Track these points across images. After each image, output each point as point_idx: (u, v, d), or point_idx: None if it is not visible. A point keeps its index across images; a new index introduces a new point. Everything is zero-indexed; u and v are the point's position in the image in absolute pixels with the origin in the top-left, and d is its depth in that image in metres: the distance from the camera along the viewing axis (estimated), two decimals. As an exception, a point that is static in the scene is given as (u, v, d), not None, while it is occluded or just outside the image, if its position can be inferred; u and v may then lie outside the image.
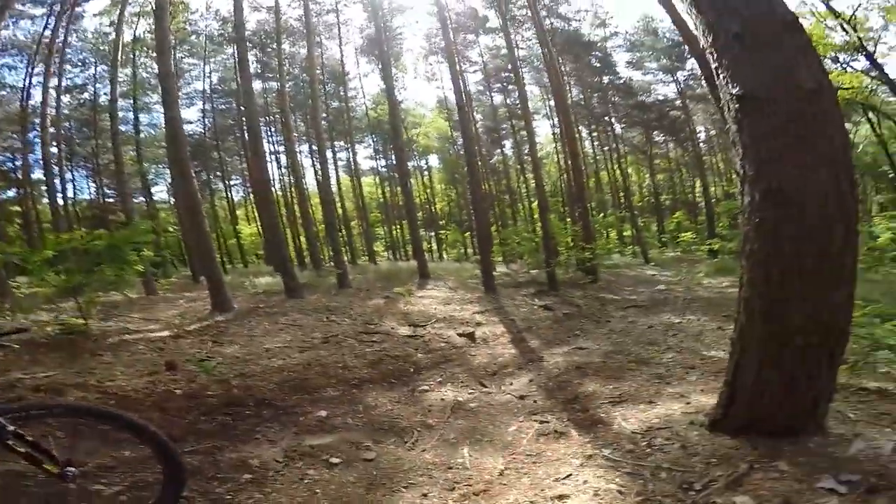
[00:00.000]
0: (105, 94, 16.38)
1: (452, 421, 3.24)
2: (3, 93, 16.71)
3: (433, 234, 27.77)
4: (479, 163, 19.10)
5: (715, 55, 2.22)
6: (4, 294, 7.84)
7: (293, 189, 20.55)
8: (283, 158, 23.14)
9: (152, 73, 16.85)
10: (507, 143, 25.42)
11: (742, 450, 2.14)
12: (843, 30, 12.06)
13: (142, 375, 3.93)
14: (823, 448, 2.08)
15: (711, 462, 2.09)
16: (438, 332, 5.74)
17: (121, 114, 15.12)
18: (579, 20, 21.71)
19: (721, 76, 2.21)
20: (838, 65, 12.89)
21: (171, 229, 17.42)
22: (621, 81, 23.25)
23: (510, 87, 21.92)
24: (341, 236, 17.40)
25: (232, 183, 25.59)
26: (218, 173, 23.77)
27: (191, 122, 21.36)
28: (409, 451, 2.80)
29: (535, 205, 23.07)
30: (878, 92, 13.08)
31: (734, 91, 2.13)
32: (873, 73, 12.01)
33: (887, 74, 11.89)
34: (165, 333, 5.56)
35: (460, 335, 5.57)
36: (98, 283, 5.88)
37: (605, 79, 22.89)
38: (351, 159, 24.64)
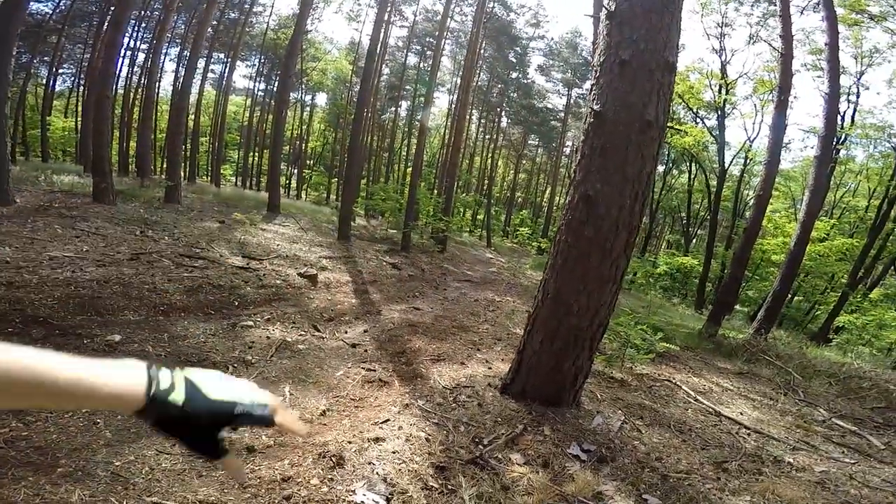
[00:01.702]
0: None
1: (276, 360, 3.11)
2: None
3: (296, 170, 26.07)
4: (369, 115, 18.36)
5: (597, 73, 2.46)
6: None
7: (139, 90, 17.90)
8: (140, 56, 19.30)
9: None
10: (404, 105, 24.84)
11: (521, 413, 2.55)
12: (716, 90, 14.48)
13: None
14: (576, 419, 2.61)
15: (498, 421, 2.44)
16: (277, 268, 5.41)
17: None
18: (518, 13, 22.06)
19: (592, 92, 2.48)
20: (698, 119, 15.53)
21: None
22: (526, 81, 24.37)
23: (428, 52, 21.54)
24: (185, 150, 15.18)
25: (61, 72, 21.01)
26: (45, 59, 19.37)
27: (39, 1, 16.96)
28: None
29: (409, 169, 23.26)
30: (709, 149, 16.10)
31: (595, 107, 2.41)
32: (715, 132, 14.69)
33: (724, 136, 14.62)
34: None
35: (301, 275, 5.33)
36: None
37: (515, 75, 23.71)
38: (225, 74, 21.45)
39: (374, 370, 3.16)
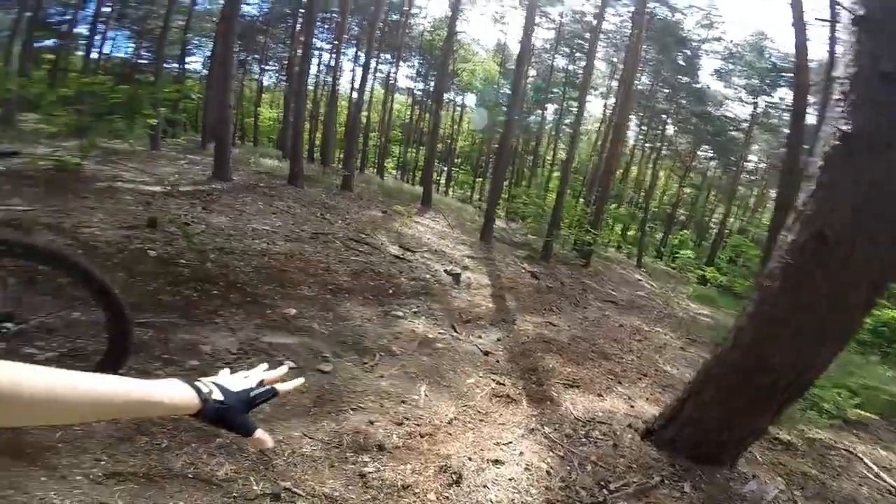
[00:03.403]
0: None
1: (417, 355, 3.23)
2: None
3: (446, 168, 27.40)
4: (517, 118, 18.44)
5: (845, 87, 1.98)
6: (11, 124, 7.63)
7: (324, 86, 20.74)
8: (324, 56, 22.30)
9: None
10: (550, 108, 24.36)
11: (661, 463, 2.26)
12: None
13: (120, 227, 3.84)
14: (725, 481, 2.23)
15: (632, 468, 2.20)
16: (427, 262, 5.74)
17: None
18: (685, 14, 20.03)
19: (838, 109, 1.99)
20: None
21: (193, 97, 17.00)
22: (698, 86, 21.89)
23: (578, 54, 20.82)
24: (359, 143, 17.21)
25: (267, 68, 25.36)
26: (256, 56, 23.56)
27: (248, 4, 20.84)
28: (367, 373, 2.75)
29: (555, 174, 22.64)
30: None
31: (843, 127, 1.94)
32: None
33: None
34: (157, 189, 5.47)
35: (447, 272, 5.57)
36: (105, 128, 5.78)
37: (685, 79, 21.50)
38: (391, 74, 23.78)
39: (504, 384, 3.11)
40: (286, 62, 21.34)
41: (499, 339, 4.13)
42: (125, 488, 1.50)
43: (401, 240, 6.39)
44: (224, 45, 7.80)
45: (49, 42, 18.22)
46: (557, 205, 9.71)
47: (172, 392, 0.62)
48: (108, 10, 16.19)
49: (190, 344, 2.50)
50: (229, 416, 0.68)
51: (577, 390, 3.21)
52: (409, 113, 27.67)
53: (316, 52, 21.83)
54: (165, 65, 16.70)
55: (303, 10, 18.96)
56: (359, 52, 21.96)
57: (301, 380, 0.84)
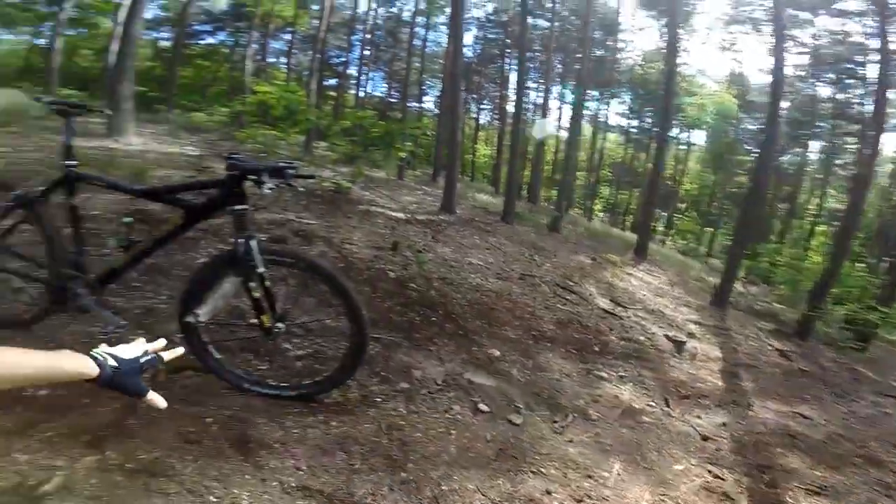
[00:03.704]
0: (408, 9, 19.27)
1: (616, 425, 2.84)
2: (340, 0, 21.14)
3: (665, 213, 24.76)
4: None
5: None
6: (309, 150, 10.29)
7: (533, 125, 21.41)
8: (531, 95, 23.54)
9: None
10: (815, 144, 19.79)
11: None
12: None
13: (371, 247, 4.49)
14: None
15: None
16: (641, 322, 5.13)
17: (417, 29, 17.41)
18: None
19: None
20: None
21: (428, 133, 19.77)
22: None
23: (848, 80, 16.65)
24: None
25: (483, 106, 27.56)
26: (473, 95, 25.82)
27: (466, 45, 23.59)
28: (556, 434, 2.51)
29: (822, 227, 18.03)
30: None
31: None
32: None
33: None
34: (400, 215, 6.39)
35: (668, 338, 4.87)
36: (368, 159, 7.18)
37: None
38: (600, 111, 23.23)
39: (722, 478, 2.47)
40: (498, 100, 22.94)
41: (724, 424, 3.34)
42: (306, 505, 1.54)
43: (612, 292, 5.91)
44: (451, 86, 8.75)
45: (331, 81, 24.05)
46: (834, 266, 7.57)
47: (73, 361, 0.72)
48: (367, 52, 20.36)
49: (405, 367, 2.63)
50: (123, 381, 0.78)
51: (825, 500, 2.44)
52: (621, 152, 26.30)
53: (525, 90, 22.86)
54: (409, 104, 19.84)
55: (509, 51, 20.24)
56: (563, 90, 22.35)
57: (181, 350, 0.94)
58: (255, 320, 1.88)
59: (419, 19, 18.65)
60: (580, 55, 15.17)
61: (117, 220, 3.31)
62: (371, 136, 7.21)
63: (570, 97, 22.69)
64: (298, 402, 2.02)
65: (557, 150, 23.75)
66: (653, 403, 3.42)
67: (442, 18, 20.24)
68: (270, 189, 1.65)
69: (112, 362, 0.79)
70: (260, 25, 20.28)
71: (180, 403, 1.80)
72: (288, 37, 23.46)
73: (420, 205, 7.91)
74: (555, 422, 2.64)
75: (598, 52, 21.92)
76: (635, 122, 24.94)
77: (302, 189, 4.76)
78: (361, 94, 22.89)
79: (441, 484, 1.82)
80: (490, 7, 22.73)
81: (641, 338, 4.62)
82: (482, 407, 2.46)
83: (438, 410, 2.31)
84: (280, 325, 1.88)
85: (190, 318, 1.61)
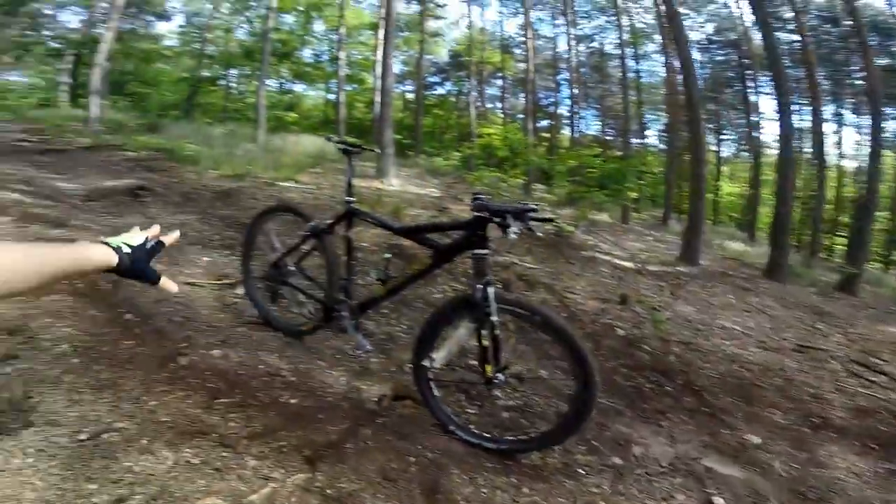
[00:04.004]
0: (610, 42, 18.46)
1: None
2: (539, 42, 21.62)
3: None
4: None
5: None
6: (528, 192, 10.42)
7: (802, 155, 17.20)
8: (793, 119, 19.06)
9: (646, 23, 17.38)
10: None
11: None
12: None
13: (595, 298, 4.08)
14: None
15: None
16: None
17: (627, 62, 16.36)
18: None
19: None
20: None
21: (654, 171, 18.06)
22: None
23: None
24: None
25: (723, 138, 23.94)
26: (710, 126, 22.90)
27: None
28: None
29: None
30: None
31: None
32: None
33: None
34: (627, 264, 5.74)
35: None
36: (591, 201, 6.74)
37: None
38: None
39: None
40: (745, 128, 19.36)
41: None
42: None
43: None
44: (691, 111, 7.54)
45: (544, 122, 24.48)
46: None
47: (97, 252, 0.75)
48: (576, 91, 19.86)
49: (623, 438, 2.23)
50: (139, 267, 0.81)
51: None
52: None
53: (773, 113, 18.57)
54: (630, 139, 18.41)
55: (749, 72, 16.63)
56: (840, 110, 17.47)
57: (177, 233, 0.93)
58: (476, 365, 1.81)
59: (627, 50, 17.44)
60: (857, 67, 11.61)
61: (378, 253, 3.80)
62: (596, 176, 6.77)
63: (851, 117, 17.76)
64: (496, 456, 1.87)
65: (840, 184, 18.51)
66: None
67: (652, 46, 18.61)
68: (516, 234, 1.54)
69: (127, 249, 0.80)
70: (475, 73, 22.30)
71: (393, 435, 1.79)
72: (499, 82, 25.27)
73: (651, 252, 7.00)
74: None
75: (883, 61, 16.75)
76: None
77: (541, 234, 4.71)
78: (575, 133, 22.60)
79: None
80: (709, 28, 20.13)
81: None
82: (717, 501, 1.94)
83: (655, 497, 1.89)
84: (500, 375, 1.78)
85: (426, 363, 1.58)
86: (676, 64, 15.52)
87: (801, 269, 8.11)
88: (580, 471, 1.93)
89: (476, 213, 1.65)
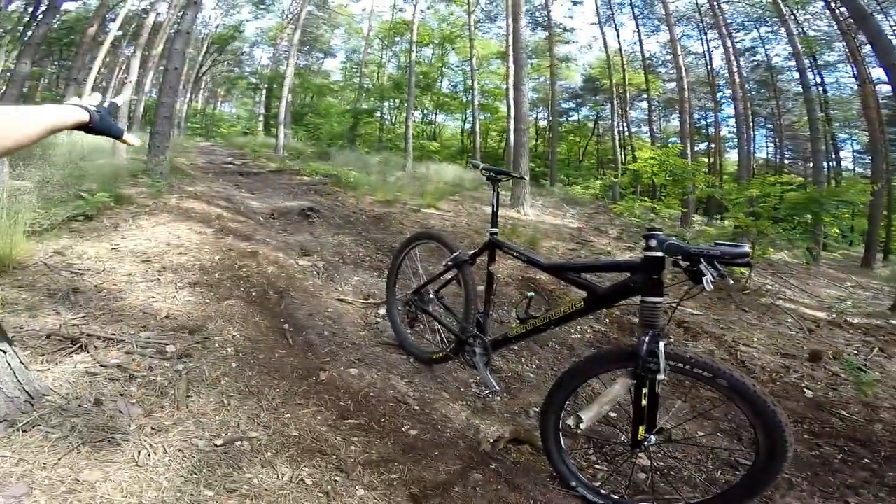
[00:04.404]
0: (777, 54, 16.00)
1: None
2: (689, 59, 19.53)
3: None
4: None
5: None
6: (688, 224, 9.18)
7: None
8: None
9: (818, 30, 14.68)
10: None
11: None
12: None
13: (777, 353, 3.39)
14: None
15: None
16: None
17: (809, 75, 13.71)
18: None
19: None
20: None
21: (860, 201, 14.58)
22: None
23: None
24: None
25: None
26: None
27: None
28: None
29: None
30: None
31: None
32: None
33: None
34: (821, 315, 4.63)
35: None
36: (774, 236, 5.55)
37: None
38: None
39: None
40: None
41: None
42: None
43: None
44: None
45: (702, 146, 21.57)
46: None
47: (72, 112, 0.88)
48: (740, 109, 17.03)
49: None
50: (107, 122, 0.94)
51: None
52: None
53: None
54: (819, 163, 15.24)
55: None
56: None
57: (128, 92, 0.73)
58: (624, 425, 1.63)
59: (805, 62, 14.49)
60: None
61: (521, 289, 3.66)
62: (782, 207, 5.53)
63: None
64: None
65: None
66: None
67: (834, 56, 15.28)
68: (713, 281, 1.30)
69: (93, 107, 0.93)
70: (616, 96, 20.89)
71: (504, 484, 1.65)
72: (644, 104, 23.22)
73: (852, 301, 5.53)
74: None
75: None
76: None
77: (732, 282, 4.06)
78: (744, 156, 19.56)
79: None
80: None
81: None
82: None
83: None
84: (652, 437, 1.54)
85: (571, 422, 1.40)
86: (873, 73, 12.67)
87: None
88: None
89: (650, 254, 1.44)
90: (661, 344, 1.41)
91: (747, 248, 1.36)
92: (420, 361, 2.47)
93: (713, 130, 21.19)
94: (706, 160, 21.26)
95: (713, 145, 21.46)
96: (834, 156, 18.55)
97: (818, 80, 16.18)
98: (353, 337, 2.64)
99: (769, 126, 22.45)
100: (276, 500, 1.33)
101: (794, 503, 1.94)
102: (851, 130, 19.19)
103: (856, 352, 3.74)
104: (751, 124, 19.86)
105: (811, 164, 16.97)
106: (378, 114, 25.69)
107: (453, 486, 1.60)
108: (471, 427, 2.01)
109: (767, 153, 23.52)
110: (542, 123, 26.90)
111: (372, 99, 24.88)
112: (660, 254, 1.41)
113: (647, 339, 1.42)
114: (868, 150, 16.68)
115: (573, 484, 1.71)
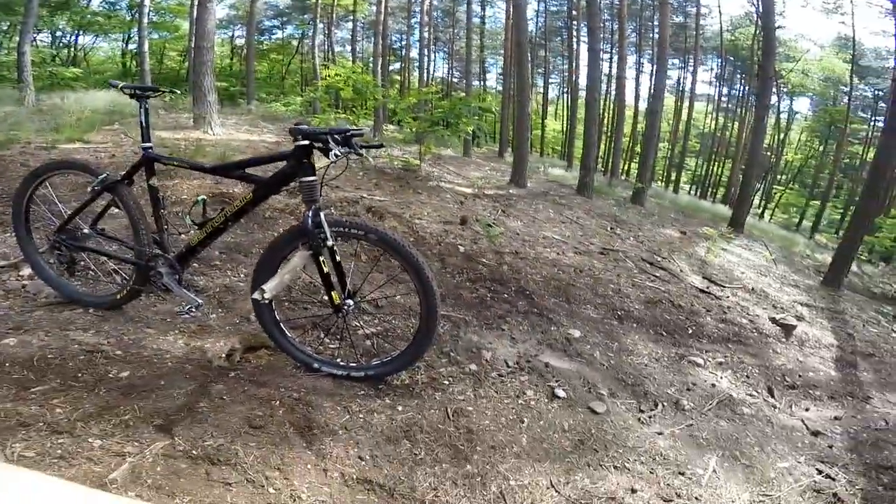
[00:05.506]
0: None
1: (712, 416, 2.51)
2: None
3: (762, 186, 22.42)
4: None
5: None
6: (378, 132, 10.44)
7: (608, 98, 20.93)
8: (604, 66, 22.47)
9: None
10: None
11: None
12: None
13: (440, 222, 4.39)
14: None
15: None
16: (741, 302, 4.58)
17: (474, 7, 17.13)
18: None
19: None
20: None
21: (493, 110, 19.36)
22: None
23: None
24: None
25: (550, 81, 27.24)
26: (539, 70, 25.27)
27: (528, 19, 23.10)
28: (642, 426, 2.22)
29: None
30: None
31: None
32: None
33: None
34: (468, 190, 6.25)
35: (774, 321, 4.31)
36: (434, 137, 7.07)
37: None
38: (684, 80, 21.73)
39: (834, 479, 2.14)
40: (567, 73, 22.22)
41: (837, 418, 2.89)
42: (365, 500, 1.45)
43: (705, 269, 5.32)
44: (516, 51, 8.31)
45: (395, 65, 24.53)
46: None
47: None
48: (426, 35, 20.62)
49: (475, 347, 2.47)
50: None
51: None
52: (709, 122, 24.33)
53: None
54: (472, 81, 19.62)
55: (575, 23, 19.34)
56: (641, 59, 21.42)
57: None
58: (325, 297, 1.83)
59: None
60: (657, 23, 14.18)
61: (193, 200, 3.46)
62: (436, 113, 7.10)
63: (647, 66, 21.48)
64: (366, 383, 1.93)
65: (636, 121, 22.31)
66: (755, 393, 3.03)
67: None
68: (338, 156, 1.56)
69: None
70: (323, 16, 20.94)
71: (251, 385, 1.76)
72: (350, 25, 24.10)
73: (488, 179, 7.72)
74: (641, 411, 2.36)
75: (678, 19, 20.70)
76: (724, 90, 23.03)
77: (371, 160, 4.75)
78: (425, 75, 23.14)
79: (509, 478, 1.65)
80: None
81: (742, 320, 4.11)
82: (559, 393, 2.23)
83: (510, 395, 2.12)
84: (349, 301, 1.82)
85: (256, 296, 1.58)
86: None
87: (605, 188, 9.83)
88: (445, 382, 2.12)
89: (296, 142, 1.63)
90: (322, 215, 1.68)
91: (363, 130, 1.74)
92: (103, 308, 2.17)
93: (405, 52, 23.55)
94: (399, 78, 23.58)
95: (404, 65, 23.96)
96: (482, 75, 23.66)
97: (481, 13, 19.69)
98: (-8, 312, 2.09)
99: (446, 50, 26.19)
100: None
101: (474, 337, 2.60)
102: (496, 56, 24.44)
103: (488, 214, 5.30)
104: (433, 47, 22.92)
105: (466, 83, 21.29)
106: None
107: (197, 403, 1.61)
108: (194, 350, 1.98)
109: (444, 73, 27.63)
110: (240, 42, 23.68)
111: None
112: (306, 142, 1.62)
113: (310, 213, 1.66)
114: (503, 73, 21.85)
115: (316, 366, 1.90)
